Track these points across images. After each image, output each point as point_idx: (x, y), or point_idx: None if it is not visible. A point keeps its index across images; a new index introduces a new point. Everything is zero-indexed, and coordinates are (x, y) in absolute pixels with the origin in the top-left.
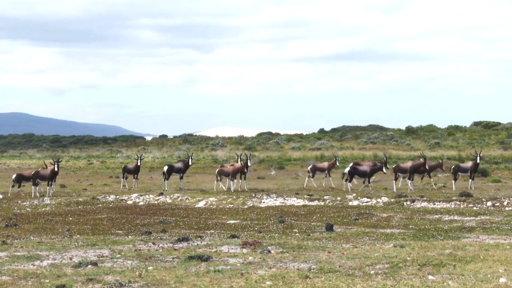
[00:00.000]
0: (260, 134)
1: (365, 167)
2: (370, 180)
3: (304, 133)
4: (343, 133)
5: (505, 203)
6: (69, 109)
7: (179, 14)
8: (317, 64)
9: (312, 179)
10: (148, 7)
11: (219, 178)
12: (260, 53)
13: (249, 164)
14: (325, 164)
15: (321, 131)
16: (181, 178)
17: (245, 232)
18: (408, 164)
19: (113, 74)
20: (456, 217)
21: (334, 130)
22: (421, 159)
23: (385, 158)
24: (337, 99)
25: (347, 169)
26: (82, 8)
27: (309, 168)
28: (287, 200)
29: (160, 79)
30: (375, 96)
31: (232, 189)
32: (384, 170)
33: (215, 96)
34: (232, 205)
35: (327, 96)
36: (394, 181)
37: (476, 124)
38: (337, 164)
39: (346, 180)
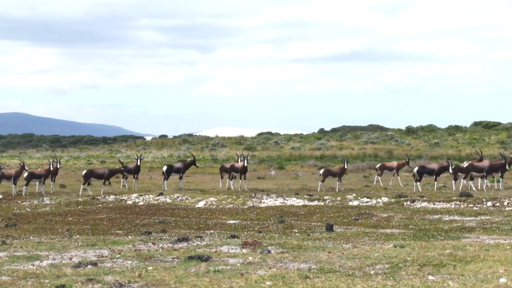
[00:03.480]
0: (260, 134)
1: (434, 165)
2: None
3: (304, 133)
4: (343, 133)
5: (505, 203)
6: (70, 109)
7: (181, 15)
8: (317, 64)
9: (380, 177)
10: (149, 7)
11: (323, 178)
12: (261, 53)
13: (245, 164)
14: (394, 164)
15: (321, 131)
16: (180, 178)
17: (245, 232)
18: None
19: (114, 74)
20: (456, 217)
21: (334, 130)
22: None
23: (451, 159)
24: (337, 99)
25: (416, 169)
26: (83, 9)
27: (377, 166)
28: (287, 200)
29: (161, 80)
30: (375, 96)
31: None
32: (450, 170)
33: (216, 97)
34: (232, 205)
35: (327, 96)
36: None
37: (476, 124)
38: (409, 165)
39: (416, 181)
